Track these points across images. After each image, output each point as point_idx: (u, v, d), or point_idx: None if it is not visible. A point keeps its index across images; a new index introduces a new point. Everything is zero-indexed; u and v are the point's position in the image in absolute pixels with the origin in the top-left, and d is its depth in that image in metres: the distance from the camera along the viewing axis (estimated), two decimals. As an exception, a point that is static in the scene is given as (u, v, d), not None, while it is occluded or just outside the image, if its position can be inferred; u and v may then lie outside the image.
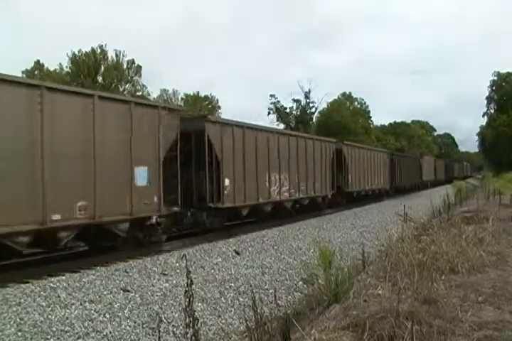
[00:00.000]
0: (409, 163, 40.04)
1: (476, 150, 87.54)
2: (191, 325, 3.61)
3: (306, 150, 19.05)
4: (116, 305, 7.26)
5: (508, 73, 64.44)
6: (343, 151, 23.48)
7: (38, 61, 48.56)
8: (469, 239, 8.73)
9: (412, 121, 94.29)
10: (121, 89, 49.00)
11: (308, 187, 19.10)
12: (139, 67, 50.01)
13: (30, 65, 48.47)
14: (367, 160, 27.26)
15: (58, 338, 5.95)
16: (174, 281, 8.73)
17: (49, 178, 8.46)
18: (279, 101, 61.60)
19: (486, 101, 67.11)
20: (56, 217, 8.56)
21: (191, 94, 60.20)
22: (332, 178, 21.81)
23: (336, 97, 66.27)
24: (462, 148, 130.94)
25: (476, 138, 72.99)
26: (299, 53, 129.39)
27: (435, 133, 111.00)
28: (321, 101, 70.58)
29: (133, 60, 49.56)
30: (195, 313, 3.67)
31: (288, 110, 62.05)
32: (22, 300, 7.06)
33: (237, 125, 14.51)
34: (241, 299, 8.26)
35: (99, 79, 47.94)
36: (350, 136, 49.50)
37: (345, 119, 59.48)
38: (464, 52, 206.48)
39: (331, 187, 21.57)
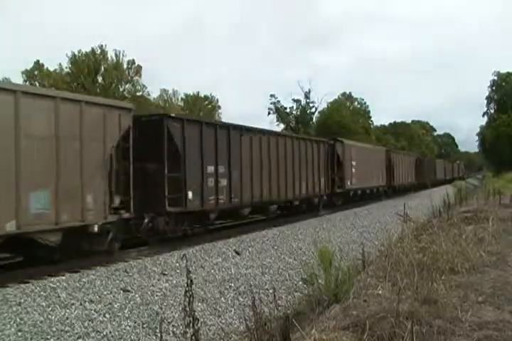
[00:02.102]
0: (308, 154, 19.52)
1: (476, 150, 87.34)
2: (191, 325, 3.60)
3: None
4: (116, 305, 7.26)
5: (508, 73, 64.47)
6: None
7: (38, 61, 48.45)
8: (469, 239, 8.74)
9: (412, 121, 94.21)
10: (121, 89, 48.98)
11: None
12: (139, 67, 49.92)
13: (29, 65, 48.45)
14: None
15: (58, 338, 5.95)
16: (174, 281, 8.73)
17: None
18: (279, 101, 61.53)
19: (486, 101, 67.28)
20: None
21: (191, 94, 60.32)
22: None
23: (336, 97, 66.23)
24: (462, 148, 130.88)
25: (476, 138, 73.13)
26: (299, 53, 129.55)
27: (435, 133, 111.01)
28: (321, 101, 69.93)
29: (133, 60, 49.47)
30: (195, 313, 3.66)
31: (288, 110, 61.97)
32: (22, 300, 7.06)
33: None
34: (241, 299, 8.27)
35: (99, 79, 47.90)
36: (349, 136, 49.36)
37: (345, 119, 59.38)
38: (464, 52, 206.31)
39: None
